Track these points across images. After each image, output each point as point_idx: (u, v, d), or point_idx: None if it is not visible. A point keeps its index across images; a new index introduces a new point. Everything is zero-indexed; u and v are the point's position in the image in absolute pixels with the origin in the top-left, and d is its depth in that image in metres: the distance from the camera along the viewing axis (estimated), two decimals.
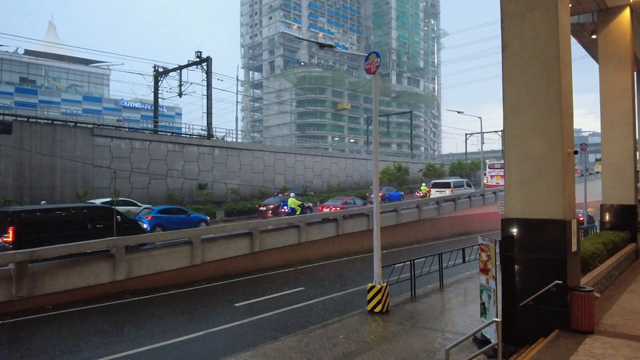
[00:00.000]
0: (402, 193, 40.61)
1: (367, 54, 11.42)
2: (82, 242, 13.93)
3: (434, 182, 39.57)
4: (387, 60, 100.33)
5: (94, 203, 22.05)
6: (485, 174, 48.30)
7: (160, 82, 40.96)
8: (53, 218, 15.56)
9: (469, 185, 39.94)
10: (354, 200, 28.89)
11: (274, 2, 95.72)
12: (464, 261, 14.81)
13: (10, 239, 13.86)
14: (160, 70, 40.82)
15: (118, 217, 16.45)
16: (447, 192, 36.23)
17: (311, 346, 8.34)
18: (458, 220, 32.87)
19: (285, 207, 26.14)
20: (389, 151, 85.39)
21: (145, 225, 19.72)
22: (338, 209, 26.12)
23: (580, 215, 26.07)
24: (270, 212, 27.45)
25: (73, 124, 30.59)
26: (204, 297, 14.31)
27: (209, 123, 38.20)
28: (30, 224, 14.76)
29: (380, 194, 35.28)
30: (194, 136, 38.14)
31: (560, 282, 7.33)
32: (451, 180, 39.17)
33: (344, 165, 51.11)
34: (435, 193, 36.57)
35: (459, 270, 14.98)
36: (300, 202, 26.27)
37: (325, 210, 26.52)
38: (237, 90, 66.98)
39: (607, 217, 15.14)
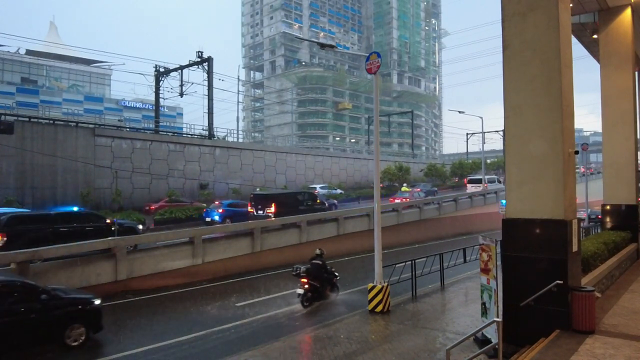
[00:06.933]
0: (437, 189, 43.41)
1: (368, 54, 11.44)
2: (82, 242, 13.98)
3: (470, 178, 43.08)
4: (388, 60, 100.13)
5: (307, 188, 33.61)
6: None
7: (161, 82, 40.98)
8: (288, 198, 24.03)
9: (499, 182, 42.44)
10: (418, 193, 35.17)
11: (275, 2, 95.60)
12: (464, 261, 14.82)
13: (273, 211, 21.99)
14: (162, 70, 40.83)
15: (318, 199, 25.19)
16: (481, 187, 39.47)
17: (312, 346, 8.36)
18: (459, 220, 32.85)
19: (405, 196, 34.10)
20: (390, 151, 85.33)
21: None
22: (407, 200, 31.71)
23: (598, 215, 26.75)
24: None
25: (74, 124, 30.63)
26: (205, 296, 14.33)
27: (210, 123, 38.20)
28: (279, 201, 22.81)
29: (418, 189, 37.64)
30: (195, 136, 38.15)
31: (561, 282, 7.33)
32: (485, 177, 42.64)
33: (345, 165, 51.08)
34: (471, 188, 40.20)
35: (459, 270, 14.98)
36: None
37: (396, 201, 31.59)
38: (238, 90, 67.07)
39: (608, 217, 15.13)
